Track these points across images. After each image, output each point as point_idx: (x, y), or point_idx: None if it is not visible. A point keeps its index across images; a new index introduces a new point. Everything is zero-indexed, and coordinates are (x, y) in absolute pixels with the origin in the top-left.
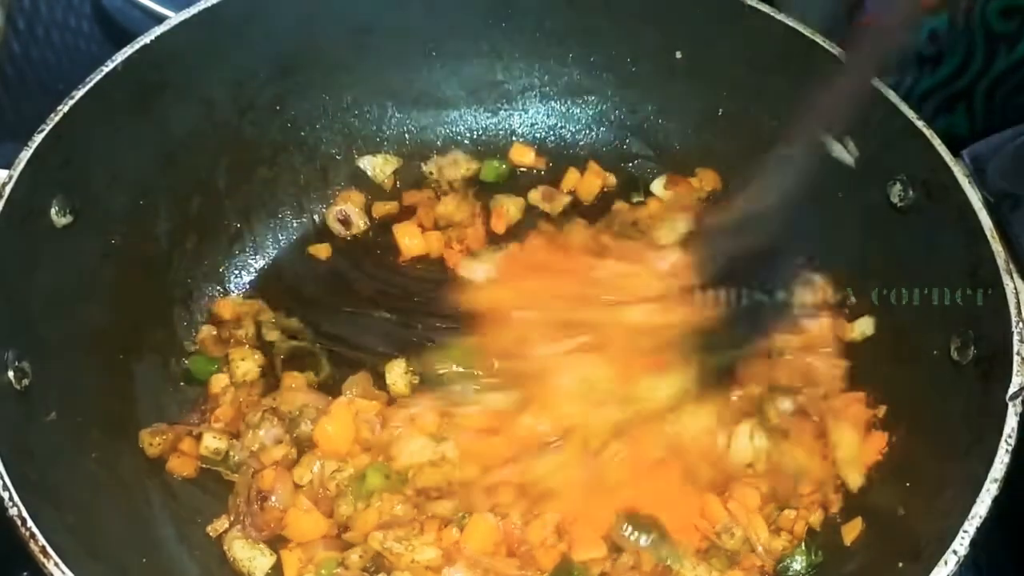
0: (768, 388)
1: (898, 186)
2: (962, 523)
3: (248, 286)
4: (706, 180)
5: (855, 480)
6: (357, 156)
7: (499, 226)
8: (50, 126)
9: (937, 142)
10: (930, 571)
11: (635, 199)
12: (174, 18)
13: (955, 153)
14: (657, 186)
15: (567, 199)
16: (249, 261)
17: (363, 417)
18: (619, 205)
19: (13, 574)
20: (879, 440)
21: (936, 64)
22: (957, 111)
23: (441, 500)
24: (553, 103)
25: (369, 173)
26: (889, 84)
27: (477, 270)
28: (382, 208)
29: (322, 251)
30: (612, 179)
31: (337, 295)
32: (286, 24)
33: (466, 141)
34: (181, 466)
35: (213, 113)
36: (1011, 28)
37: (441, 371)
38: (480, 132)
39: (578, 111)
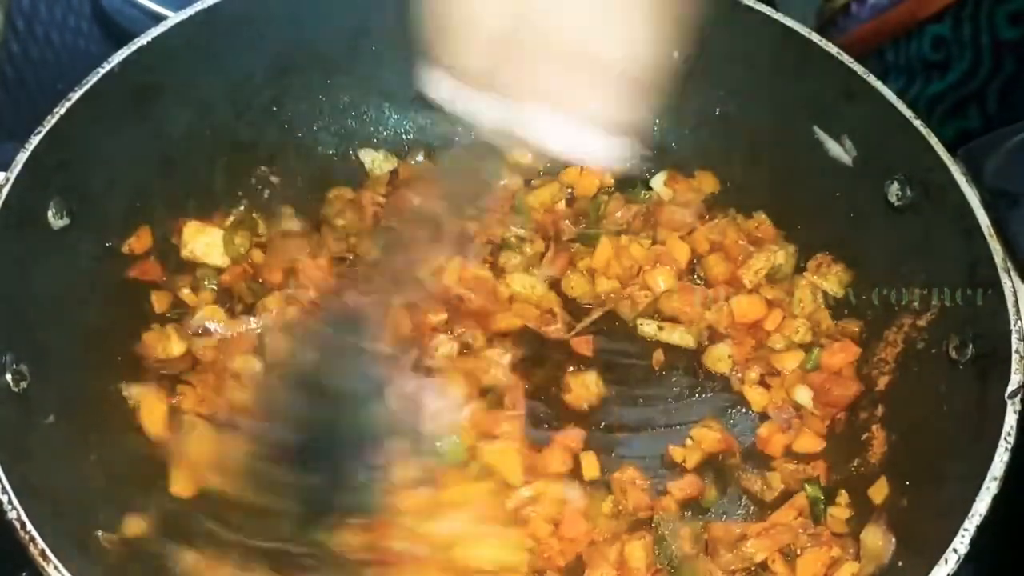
0: None
1: (896, 185)
2: (962, 521)
3: None
4: (705, 183)
5: None
6: (354, 155)
7: None
8: (46, 128)
9: (934, 140)
10: (931, 570)
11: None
12: (170, 20)
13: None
14: (657, 182)
15: (564, 194)
16: None
17: None
18: (618, 198)
19: (12, 575)
20: (879, 439)
21: (943, 69)
22: (970, 115)
23: None
24: None
25: (368, 166)
26: (895, 90)
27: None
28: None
29: None
30: (609, 178)
31: None
32: (283, 25)
33: (463, 141)
34: None
35: (210, 114)
36: (1019, 34)
37: None
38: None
39: None
